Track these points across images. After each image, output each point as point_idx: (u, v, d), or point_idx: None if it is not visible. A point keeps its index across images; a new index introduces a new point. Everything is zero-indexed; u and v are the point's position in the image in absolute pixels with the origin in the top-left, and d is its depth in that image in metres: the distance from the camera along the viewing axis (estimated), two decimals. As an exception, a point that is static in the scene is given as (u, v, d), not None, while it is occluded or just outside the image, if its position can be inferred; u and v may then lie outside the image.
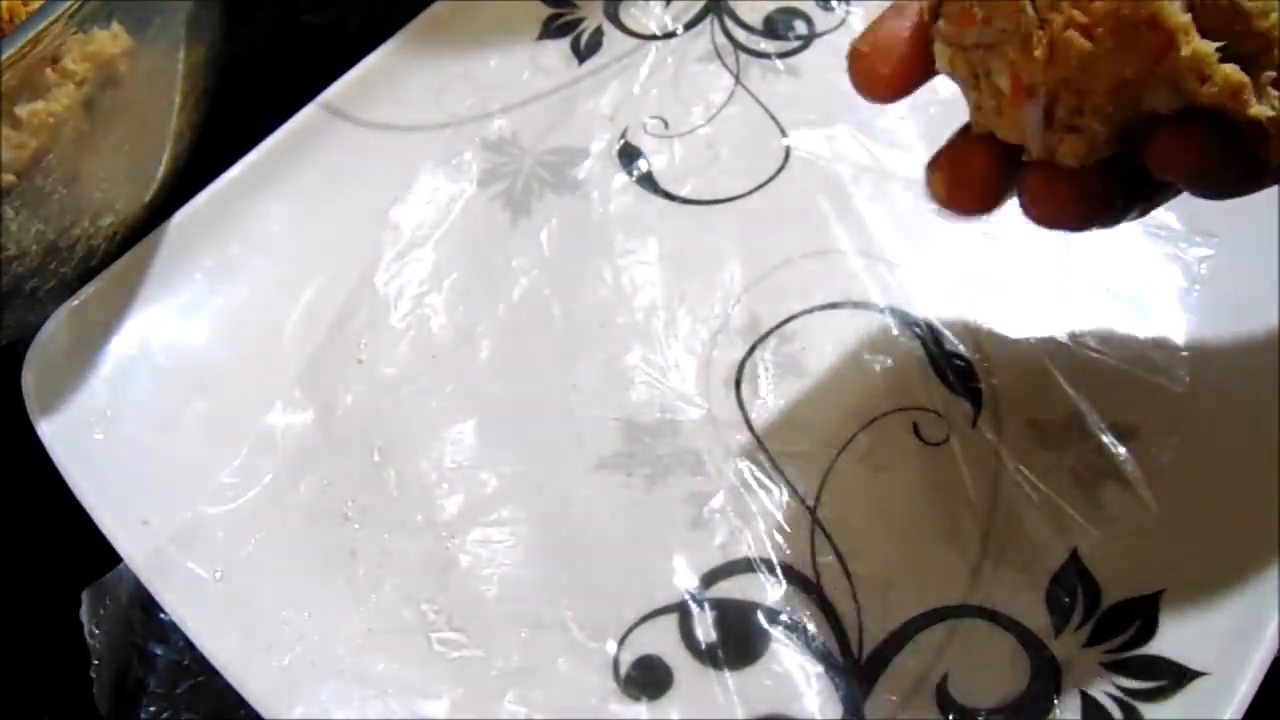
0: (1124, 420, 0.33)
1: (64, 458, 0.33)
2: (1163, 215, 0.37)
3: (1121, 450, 0.33)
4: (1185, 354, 0.34)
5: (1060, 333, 0.35)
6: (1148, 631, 0.30)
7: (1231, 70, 0.23)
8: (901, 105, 0.40)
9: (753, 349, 0.36)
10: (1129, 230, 0.37)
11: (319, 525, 0.34)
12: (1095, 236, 0.36)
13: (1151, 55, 0.23)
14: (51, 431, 0.34)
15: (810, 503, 0.33)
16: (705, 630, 0.31)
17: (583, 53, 0.43)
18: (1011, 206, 0.27)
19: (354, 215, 0.40)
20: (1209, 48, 0.23)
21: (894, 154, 0.39)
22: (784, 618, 0.31)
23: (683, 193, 0.39)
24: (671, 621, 0.32)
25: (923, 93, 0.41)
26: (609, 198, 0.40)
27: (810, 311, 0.36)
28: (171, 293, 0.37)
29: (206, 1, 0.37)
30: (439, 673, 0.31)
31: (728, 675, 0.31)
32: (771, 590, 0.32)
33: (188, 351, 0.37)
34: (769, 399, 0.35)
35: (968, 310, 0.36)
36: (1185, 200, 0.36)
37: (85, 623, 0.34)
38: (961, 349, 0.35)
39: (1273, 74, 0.23)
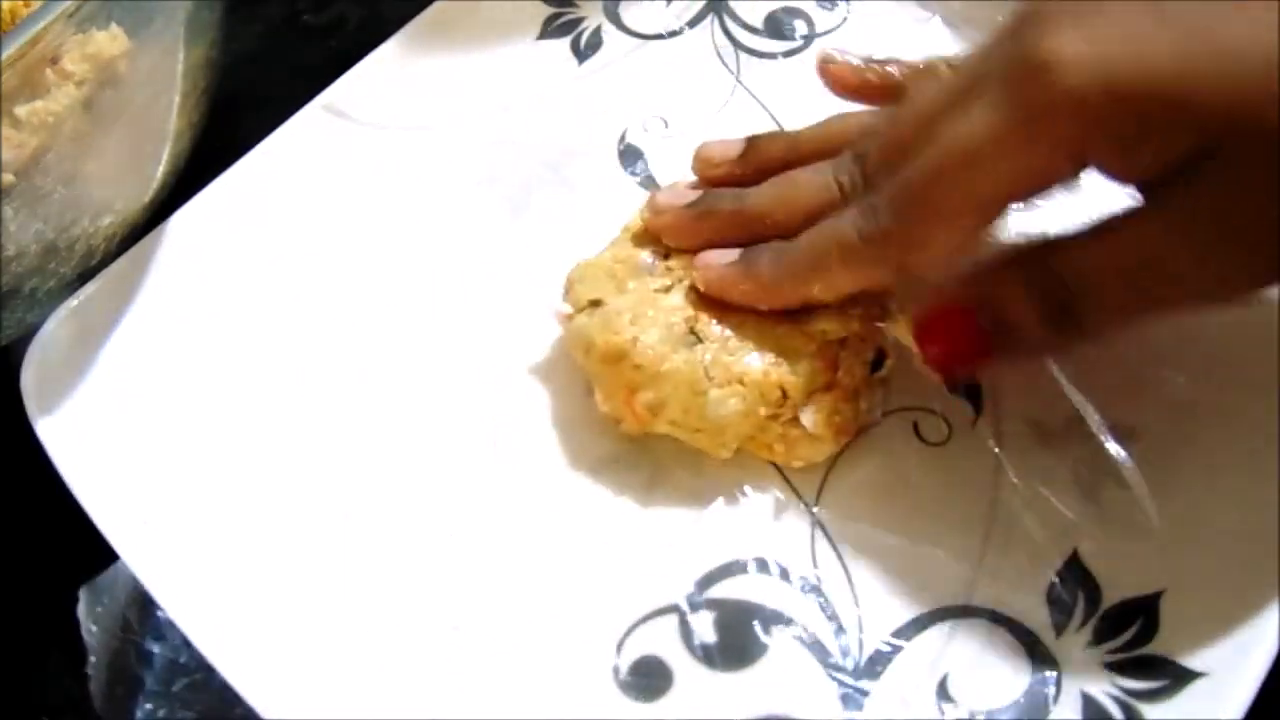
0: (1124, 421, 0.33)
1: (63, 458, 0.33)
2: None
3: (1122, 451, 0.33)
4: (1189, 358, 0.34)
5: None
6: (1148, 632, 0.30)
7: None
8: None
9: (753, 348, 0.36)
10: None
11: (318, 524, 0.34)
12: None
13: None
14: (51, 431, 0.34)
15: (810, 503, 0.33)
16: (705, 631, 0.31)
17: (583, 52, 0.43)
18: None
19: (354, 215, 0.40)
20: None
21: (894, 154, 0.39)
22: (784, 618, 0.31)
23: (683, 192, 0.39)
24: (671, 622, 0.32)
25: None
26: (609, 197, 0.39)
27: (810, 311, 0.36)
28: (171, 293, 0.37)
29: (206, 1, 0.37)
30: (438, 673, 0.31)
31: (727, 676, 0.31)
32: (771, 590, 0.32)
33: (188, 351, 0.37)
34: (769, 399, 0.35)
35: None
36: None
37: (82, 620, 0.34)
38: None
39: None
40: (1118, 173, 0.27)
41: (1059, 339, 0.29)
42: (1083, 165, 0.27)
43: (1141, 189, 0.27)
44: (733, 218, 0.34)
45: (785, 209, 0.32)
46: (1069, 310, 0.28)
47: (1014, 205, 0.28)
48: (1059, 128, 0.26)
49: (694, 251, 0.34)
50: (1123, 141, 0.26)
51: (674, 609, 0.32)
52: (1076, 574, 0.31)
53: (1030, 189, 0.28)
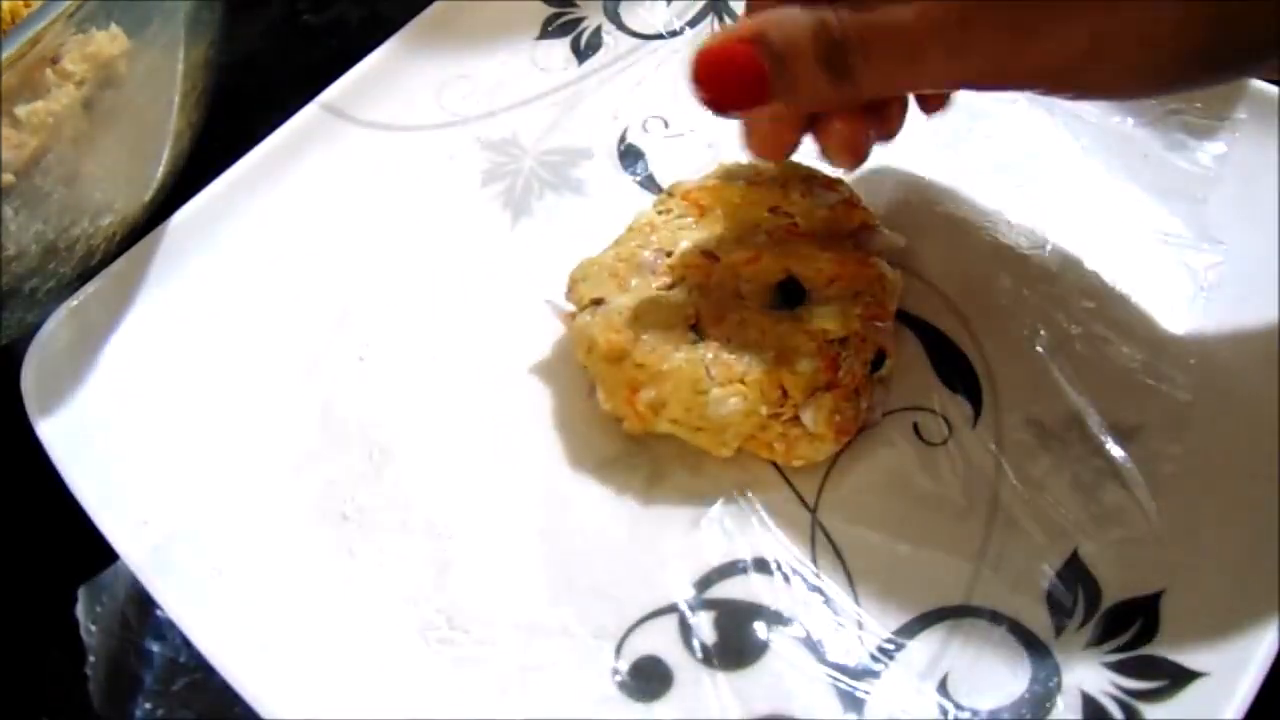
0: (1125, 421, 0.33)
1: (63, 457, 0.33)
2: (1171, 222, 0.37)
3: (1122, 451, 0.33)
4: (1189, 359, 0.34)
5: (1062, 333, 0.35)
6: (1148, 632, 0.30)
7: None
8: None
9: (753, 348, 0.36)
10: (1136, 235, 0.37)
11: (318, 524, 0.34)
12: (1102, 240, 0.36)
13: None
14: (51, 431, 0.34)
15: (810, 503, 0.33)
16: (705, 631, 0.31)
17: (583, 52, 0.43)
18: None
19: (354, 215, 0.40)
20: None
21: (894, 153, 0.39)
22: (784, 618, 0.31)
23: (683, 192, 0.39)
24: (671, 622, 0.32)
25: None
26: (609, 197, 0.40)
27: (810, 311, 0.36)
28: (171, 293, 0.37)
29: (206, 1, 0.37)
30: (439, 673, 0.31)
31: (728, 676, 0.31)
32: (771, 591, 0.32)
33: (188, 351, 0.37)
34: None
35: (968, 310, 0.36)
36: (1194, 208, 0.37)
37: (81, 619, 0.34)
38: (961, 349, 0.35)
39: None
40: None
41: (832, 88, 0.29)
42: None
43: None
44: None
45: None
46: (846, 61, 0.28)
47: None
48: None
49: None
50: None
51: (674, 609, 0.32)
52: (1076, 574, 0.31)
53: None
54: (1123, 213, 0.37)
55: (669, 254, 0.35)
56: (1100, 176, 0.38)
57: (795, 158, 0.34)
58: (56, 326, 0.36)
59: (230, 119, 0.41)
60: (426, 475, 0.35)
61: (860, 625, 0.31)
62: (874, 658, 0.30)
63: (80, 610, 0.34)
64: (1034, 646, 0.30)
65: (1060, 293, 0.36)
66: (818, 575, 0.32)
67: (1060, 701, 0.29)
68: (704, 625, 0.31)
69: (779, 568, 0.32)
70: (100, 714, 0.33)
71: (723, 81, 0.29)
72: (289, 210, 0.39)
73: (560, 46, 0.43)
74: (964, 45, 0.27)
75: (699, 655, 0.31)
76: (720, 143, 0.40)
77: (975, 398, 0.34)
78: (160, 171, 0.38)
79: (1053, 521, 0.32)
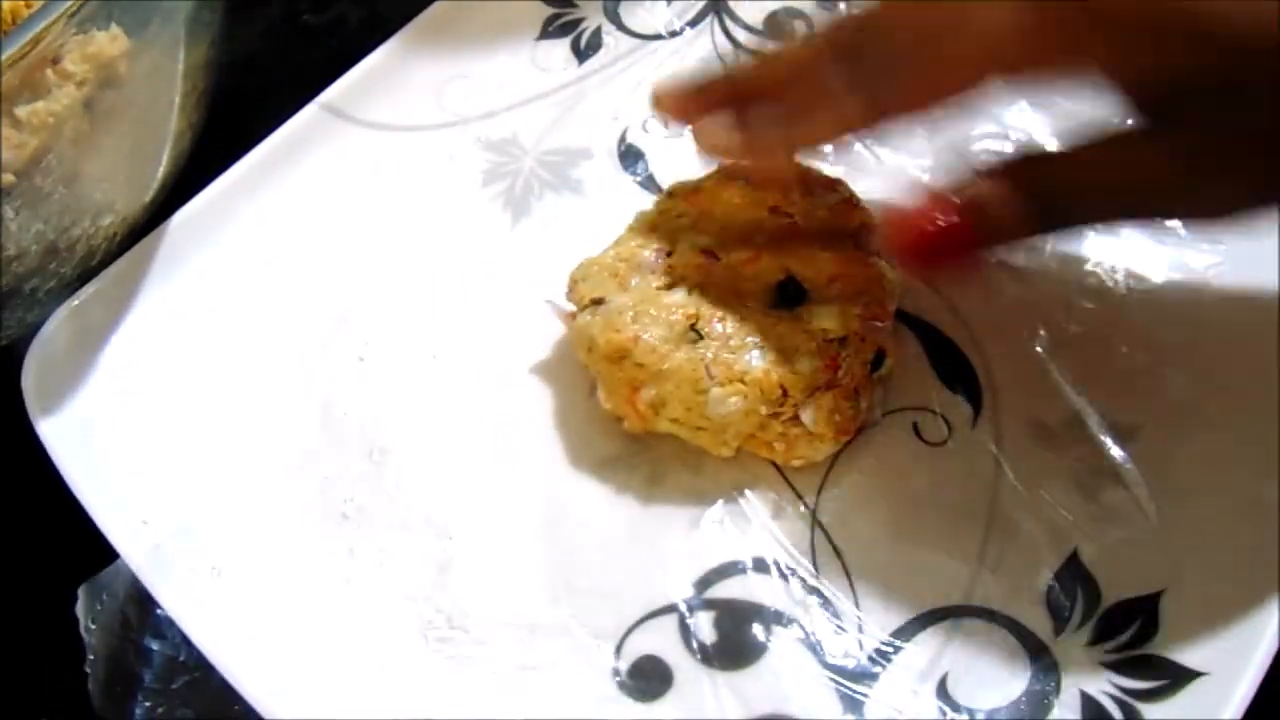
0: (1124, 421, 0.33)
1: (64, 457, 0.34)
2: (1171, 222, 0.37)
3: (1122, 451, 0.33)
4: (1189, 359, 0.34)
5: (1062, 333, 0.35)
6: (1148, 632, 0.30)
7: None
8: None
9: (753, 349, 0.36)
10: (1136, 235, 0.36)
11: (318, 524, 0.34)
12: (1102, 240, 0.36)
13: None
14: (51, 431, 0.34)
15: (810, 503, 0.33)
16: (705, 631, 0.31)
17: (583, 52, 0.43)
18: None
19: (354, 215, 0.40)
20: None
21: (894, 155, 0.39)
22: (784, 618, 0.31)
23: (683, 193, 0.39)
24: (671, 622, 0.32)
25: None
26: (609, 198, 0.40)
27: (810, 311, 0.36)
28: (171, 293, 0.37)
29: (206, 1, 0.37)
30: (438, 673, 0.31)
31: (727, 675, 0.31)
32: (771, 590, 0.32)
33: (188, 351, 0.37)
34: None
35: (968, 310, 0.36)
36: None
37: (81, 618, 0.34)
38: (961, 349, 0.35)
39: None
40: (1113, 75, 0.27)
41: (1038, 232, 0.30)
42: (1075, 59, 0.27)
43: (1139, 108, 0.27)
44: (726, 86, 0.33)
45: (773, 74, 0.32)
46: (1054, 211, 0.29)
47: (998, 80, 0.28)
48: (1066, 9, 0.26)
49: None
50: (1125, 41, 0.26)
51: (674, 609, 0.32)
52: (1076, 574, 0.31)
53: (1020, 67, 0.28)
54: (1123, 213, 0.37)
55: (669, 254, 0.35)
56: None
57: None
58: (57, 326, 0.36)
59: (230, 119, 0.41)
60: (426, 475, 0.35)
61: (859, 625, 0.31)
62: (872, 659, 0.30)
63: (80, 609, 0.34)
64: (1033, 647, 0.30)
65: (1060, 293, 0.36)
66: (817, 575, 0.32)
67: (1059, 701, 0.29)
68: (704, 625, 0.31)
69: (778, 568, 0.32)
70: (100, 712, 0.33)
71: (940, 255, 0.30)
72: (289, 210, 0.39)
73: (560, 46, 0.43)
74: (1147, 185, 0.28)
75: (699, 655, 0.31)
76: (720, 143, 0.40)
77: (975, 398, 0.34)
78: (160, 171, 0.38)
79: (1053, 521, 0.32)
